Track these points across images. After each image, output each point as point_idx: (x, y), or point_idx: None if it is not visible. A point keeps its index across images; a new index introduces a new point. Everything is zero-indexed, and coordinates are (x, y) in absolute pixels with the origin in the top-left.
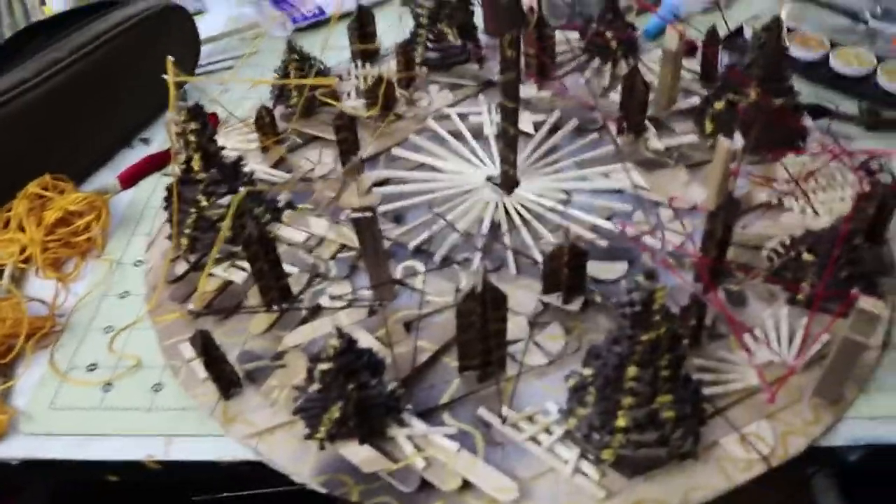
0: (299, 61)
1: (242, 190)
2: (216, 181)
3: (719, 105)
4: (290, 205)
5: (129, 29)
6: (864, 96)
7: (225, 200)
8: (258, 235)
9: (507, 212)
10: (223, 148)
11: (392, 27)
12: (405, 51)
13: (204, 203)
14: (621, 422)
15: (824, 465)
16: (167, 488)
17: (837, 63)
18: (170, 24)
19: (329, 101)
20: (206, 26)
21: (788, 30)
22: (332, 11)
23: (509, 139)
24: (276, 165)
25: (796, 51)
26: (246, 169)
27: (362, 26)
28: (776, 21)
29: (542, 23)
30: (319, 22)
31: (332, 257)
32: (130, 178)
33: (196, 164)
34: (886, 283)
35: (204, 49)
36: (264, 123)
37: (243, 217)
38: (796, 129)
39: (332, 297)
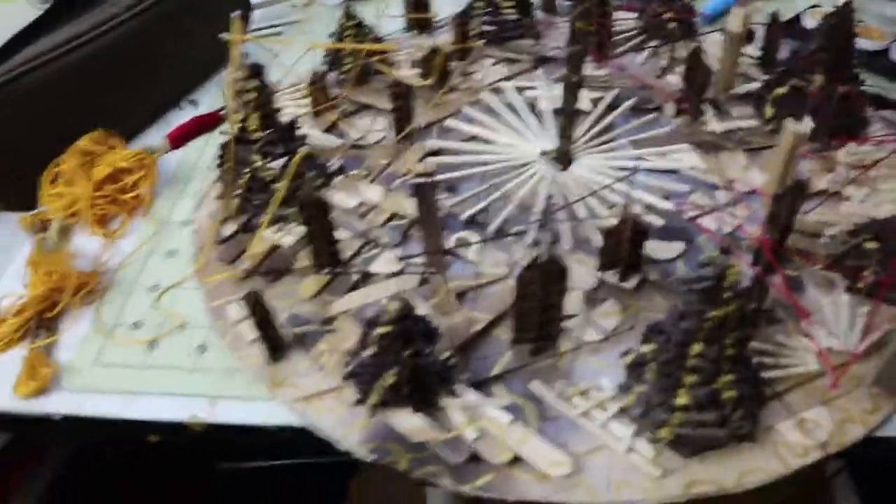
0: (356, 27)
1: (301, 151)
2: (272, 142)
3: (781, 90)
4: (341, 170)
5: None
6: None
7: (279, 163)
8: (313, 198)
9: (563, 184)
10: (280, 109)
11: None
12: (461, 23)
13: (259, 163)
14: (682, 399)
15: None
16: (192, 455)
17: None
18: None
19: (384, 69)
20: None
21: None
22: None
23: (569, 113)
24: (328, 131)
25: (858, 41)
26: (300, 132)
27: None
28: (848, 5)
29: (603, 1)
30: None
31: (384, 224)
32: (180, 138)
33: (253, 123)
34: None
35: (254, 14)
36: (318, 88)
37: (299, 179)
38: (859, 118)
39: (382, 266)
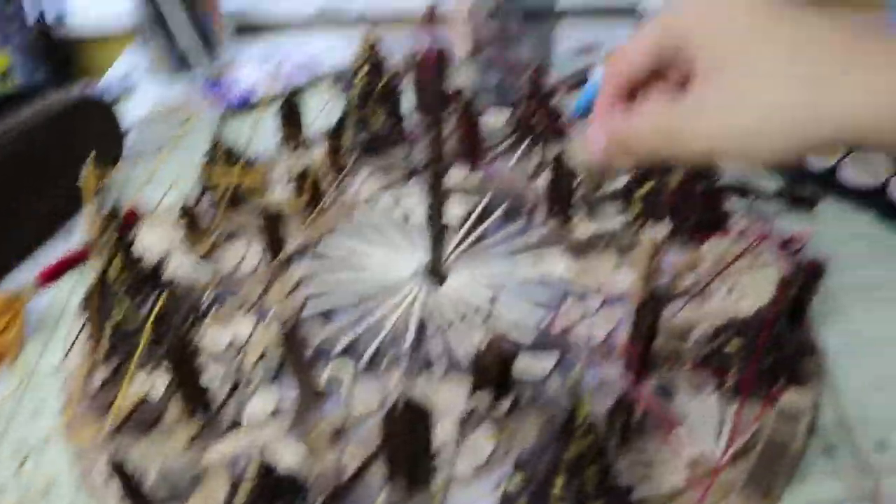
0: (225, 153)
1: (164, 296)
2: (135, 286)
3: (644, 189)
4: (215, 302)
5: (45, 123)
6: (784, 174)
7: (147, 305)
8: (179, 343)
9: (435, 306)
10: (142, 254)
11: (322, 110)
12: (334, 136)
13: (124, 308)
14: None
15: None
16: None
17: None
18: (88, 116)
19: (256, 192)
20: (134, 109)
21: None
22: (262, 94)
23: (436, 230)
24: (201, 260)
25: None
26: (170, 267)
27: (291, 111)
28: None
29: (469, 106)
30: (251, 105)
31: (259, 359)
32: (50, 277)
33: (114, 269)
34: (812, 365)
35: (131, 135)
36: (190, 216)
37: (164, 322)
38: (721, 212)
39: (255, 407)
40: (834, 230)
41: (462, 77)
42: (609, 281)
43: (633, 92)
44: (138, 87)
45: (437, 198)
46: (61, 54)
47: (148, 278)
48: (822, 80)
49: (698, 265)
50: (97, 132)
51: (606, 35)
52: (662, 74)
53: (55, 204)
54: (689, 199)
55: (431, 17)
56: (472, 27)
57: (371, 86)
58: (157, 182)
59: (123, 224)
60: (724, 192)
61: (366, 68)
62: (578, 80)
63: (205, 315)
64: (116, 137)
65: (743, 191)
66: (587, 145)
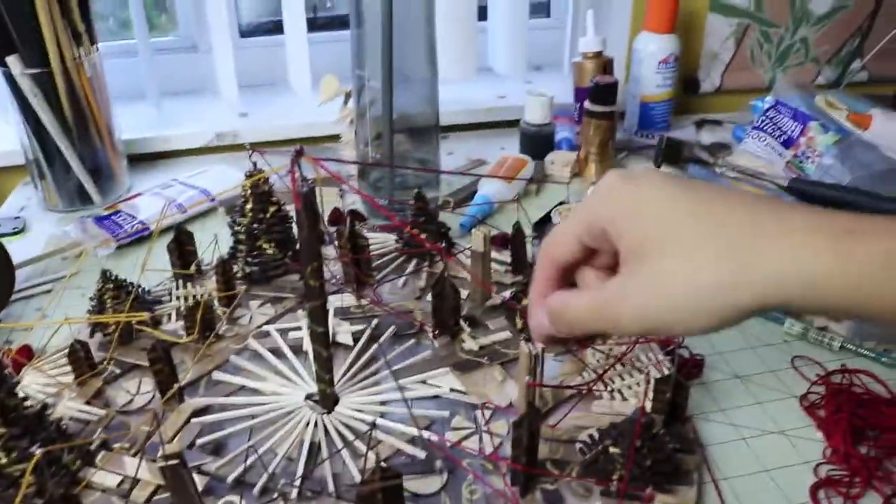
0: (114, 289)
1: (38, 453)
2: (16, 436)
3: (526, 301)
4: (104, 444)
5: None
6: None
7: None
8: (60, 496)
9: (326, 432)
10: (26, 398)
11: (214, 241)
12: (224, 268)
13: (3, 461)
14: None
15: None
16: None
17: None
18: None
19: (146, 328)
20: (25, 247)
21: None
22: (155, 226)
23: (323, 361)
24: (92, 399)
25: None
26: (57, 409)
27: (181, 245)
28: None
29: (355, 233)
30: (144, 237)
31: (149, 500)
32: None
33: None
34: (691, 462)
35: (22, 272)
36: (78, 357)
37: (47, 472)
38: None
39: None
40: None
41: (350, 199)
42: (496, 394)
43: (565, 274)
44: (30, 224)
45: (323, 326)
46: None
47: (30, 427)
48: (741, 256)
49: (583, 369)
50: None
51: (491, 149)
52: (593, 254)
53: None
54: None
55: (299, 156)
56: (359, 147)
57: (260, 214)
58: (47, 321)
59: (10, 366)
60: None
61: (252, 199)
62: (465, 197)
63: (93, 456)
64: (8, 275)
65: None
66: (531, 330)
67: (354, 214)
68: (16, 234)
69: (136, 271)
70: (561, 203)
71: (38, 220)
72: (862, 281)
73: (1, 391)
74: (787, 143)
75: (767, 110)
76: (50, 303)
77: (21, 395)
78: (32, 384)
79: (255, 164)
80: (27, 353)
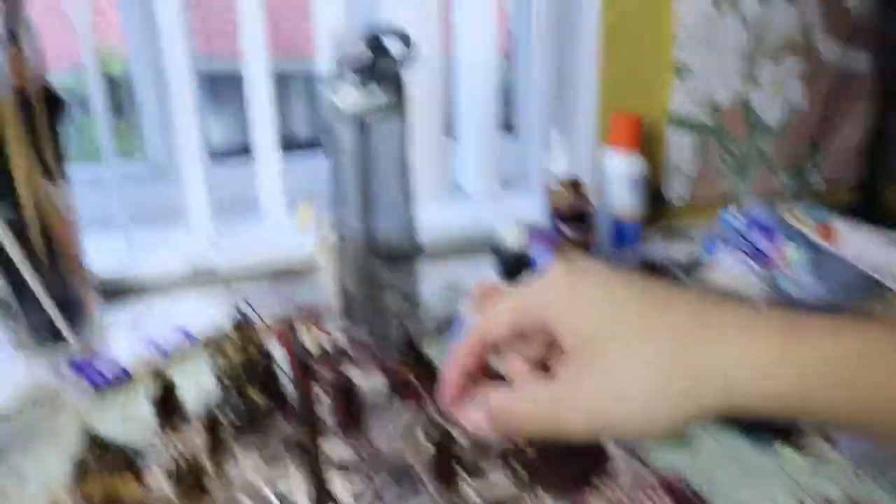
0: (99, 447)
1: None
2: None
3: (526, 453)
4: None
5: None
6: None
7: None
8: None
9: None
10: None
11: (197, 384)
12: (210, 418)
13: None
14: None
15: None
16: None
17: None
18: None
19: (133, 489)
20: None
21: None
22: (134, 368)
23: None
24: None
25: None
26: None
27: (164, 392)
28: None
29: (348, 383)
30: (123, 380)
31: None
32: None
33: None
34: None
35: None
36: None
37: None
38: (598, 460)
39: None
40: (707, 458)
41: (332, 337)
42: None
43: (487, 353)
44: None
45: (319, 481)
46: None
47: None
48: (694, 358)
49: None
50: None
51: (470, 273)
52: (520, 339)
53: None
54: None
55: (290, 328)
56: (339, 281)
57: (244, 359)
58: (24, 484)
59: None
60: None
61: (236, 343)
62: (447, 324)
63: None
64: None
65: None
66: (462, 422)
67: (342, 355)
68: None
69: (115, 424)
70: None
71: (7, 363)
72: (805, 382)
73: None
74: (758, 258)
75: (735, 225)
76: (24, 464)
77: None
78: None
79: (244, 314)
80: None
